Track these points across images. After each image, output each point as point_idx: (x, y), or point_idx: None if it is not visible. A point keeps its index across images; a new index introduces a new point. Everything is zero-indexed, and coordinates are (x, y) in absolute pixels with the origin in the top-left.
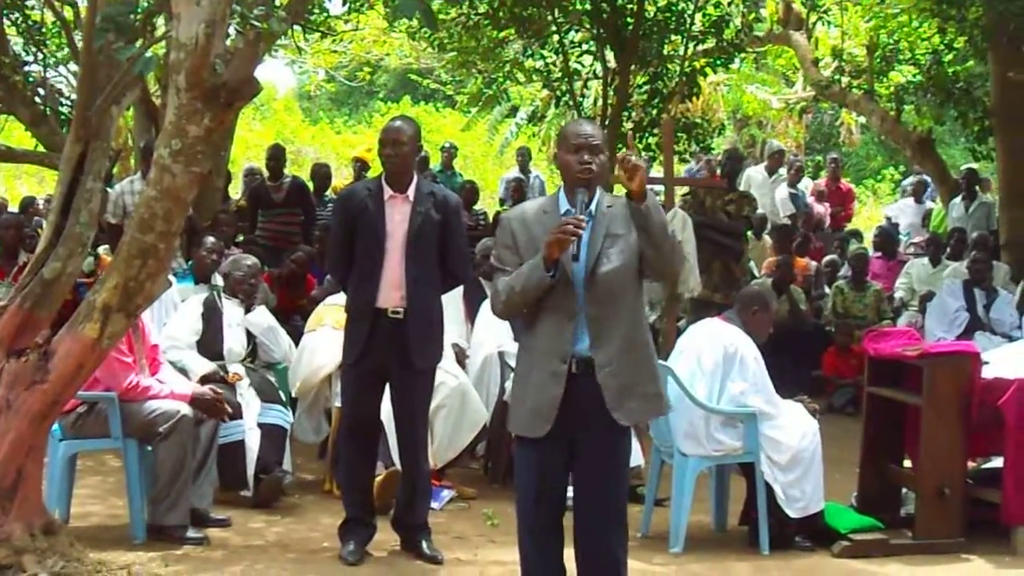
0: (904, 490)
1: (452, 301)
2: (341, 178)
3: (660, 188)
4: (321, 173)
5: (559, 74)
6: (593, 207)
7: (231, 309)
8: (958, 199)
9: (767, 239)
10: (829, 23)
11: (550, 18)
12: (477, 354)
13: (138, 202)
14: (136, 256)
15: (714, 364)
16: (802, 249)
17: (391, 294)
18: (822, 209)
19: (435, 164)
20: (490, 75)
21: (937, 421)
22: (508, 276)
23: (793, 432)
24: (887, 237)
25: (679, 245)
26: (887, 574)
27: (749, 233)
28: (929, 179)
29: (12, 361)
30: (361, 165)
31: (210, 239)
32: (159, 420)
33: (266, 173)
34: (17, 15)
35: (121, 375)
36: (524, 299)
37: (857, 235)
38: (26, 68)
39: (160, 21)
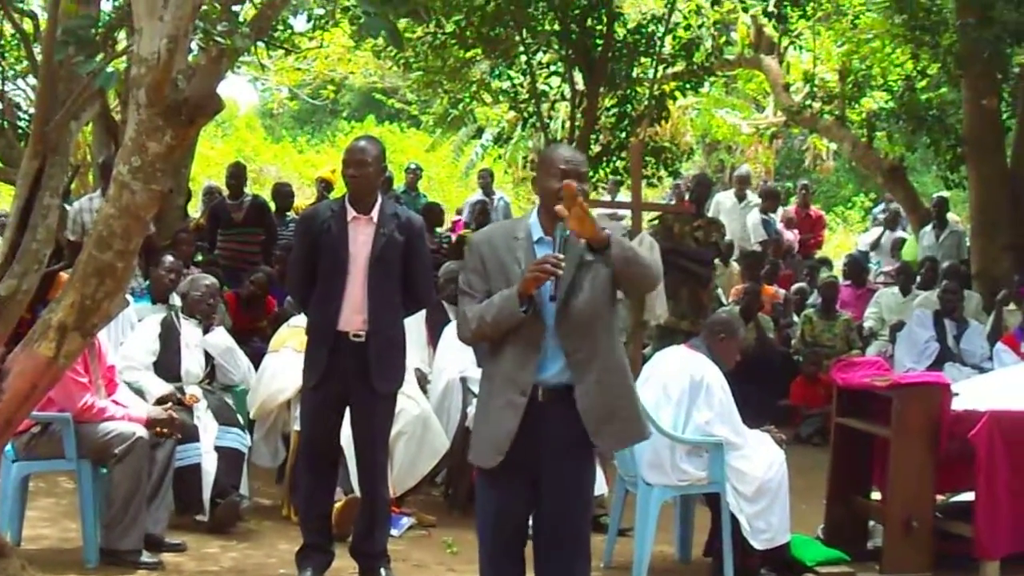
0: (871, 522)
1: (415, 325)
2: (304, 198)
3: (627, 213)
4: (283, 193)
5: (526, 95)
6: (565, 233)
7: (189, 330)
8: (929, 227)
9: (735, 266)
10: (801, 47)
11: (518, 38)
12: (439, 379)
13: (96, 219)
14: (93, 274)
15: (680, 392)
16: (771, 277)
17: (353, 317)
18: (792, 236)
19: (399, 185)
20: (456, 95)
21: (906, 453)
22: (476, 302)
23: (759, 462)
24: (857, 265)
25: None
26: None
27: (717, 260)
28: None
29: None
30: (325, 186)
31: (168, 258)
32: (114, 442)
33: (226, 192)
34: None
35: (76, 395)
36: (494, 331)
37: (827, 263)
38: None
39: (121, 35)
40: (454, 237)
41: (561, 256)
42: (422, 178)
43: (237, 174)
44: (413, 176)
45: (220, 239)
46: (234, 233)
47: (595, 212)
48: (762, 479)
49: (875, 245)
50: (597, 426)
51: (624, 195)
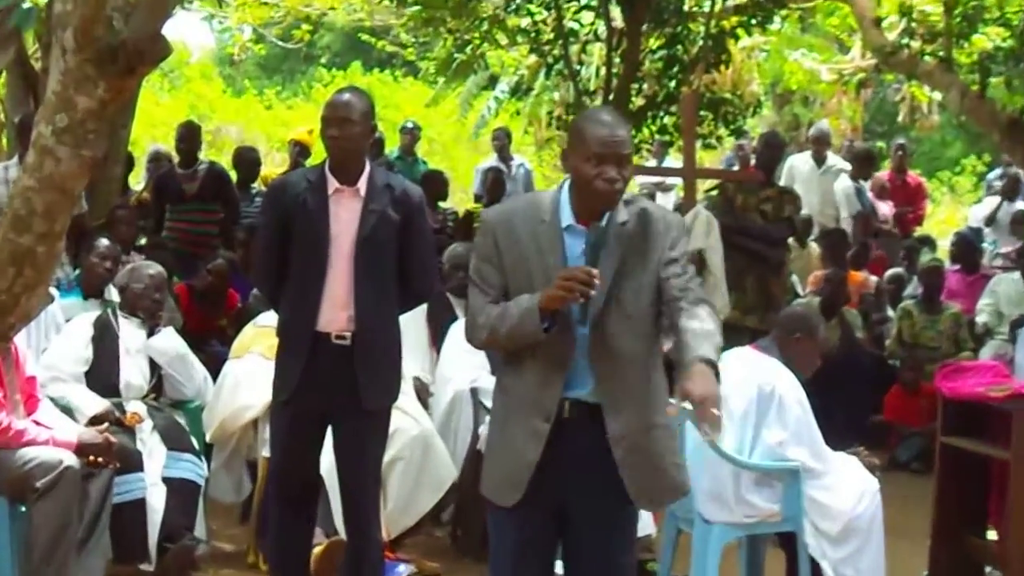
0: (988, 568)
1: (413, 324)
2: (273, 165)
3: (677, 181)
4: (246, 159)
5: (551, 35)
6: (595, 241)
7: (130, 331)
8: None
9: (814, 247)
10: None
11: None
12: (444, 391)
13: (12, 193)
14: (8, 263)
15: (746, 407)
16: (859, 260)
17: (336, 315)
18: (886, 209)
19: (392, 149)
20: (463, 36)
21: None
22: (489, 300)
23: (846, 494)
24: (967, 246)
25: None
26: None
27: (791, 240)
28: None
29: None
30: (300, 150)
31: (104, 242)
32: (36, 473)
33: (176, 158)
34: None
35: None
36: (510, 344)
37: (929, 242)
38: None
39: None
40: (461, 212)
41: (595, 272)
42: (420, 139)
43: (189, 136)
44: (410, 137)
45: (169, 217)
46: (186, 210)
47: (639, 180)
48: (850, 515)
49: (990, 220)
50: (642, 482)
51: (674, 159)
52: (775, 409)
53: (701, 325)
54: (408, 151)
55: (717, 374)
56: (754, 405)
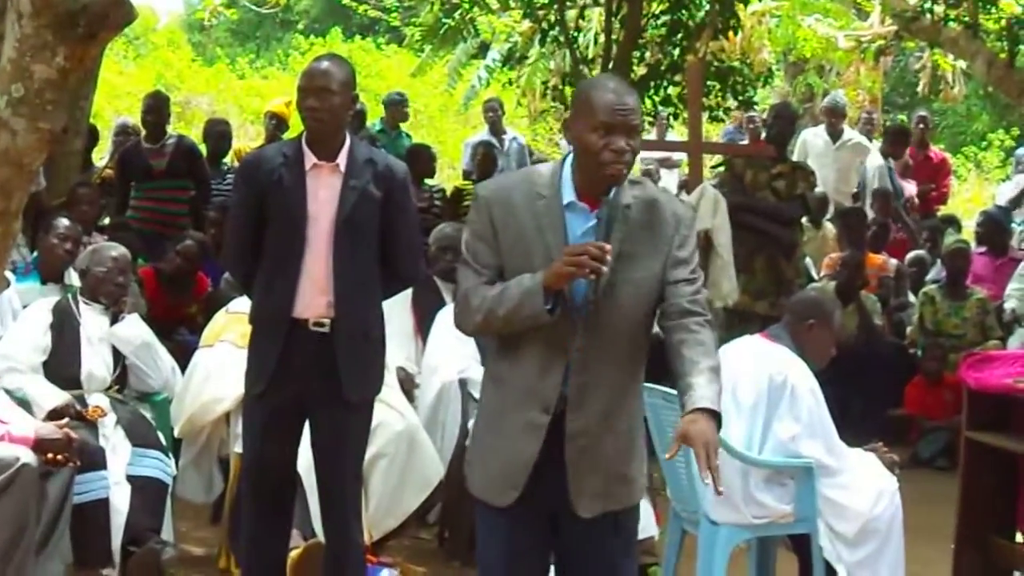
0: (1016, 573)
1: (397, 310)
2: (247, 139)
3: (682, 156)
4: (217, 132)
5: None
6: (607, 216)
7: (91, 318)
8: None
9: (829, 227)
10: None
11: None
12: (430, 382)
13: None
14: None
15: (755, 398)
16: (878, 242)
17: (314, 300)
18: (911, 189)
19: (374, 121)
20: (451, 0)
21: None
22: (483, 281)
23: (863, 493)
24: (996, 226)
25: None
26: None
27: (805, 219)
28: None
29: None
30: (277, 123)
31: (63, 222)
32: None
33: (143, 132)
34: None
35: None
36: (508, 328)
37: (954, 223)
38: None
39: None
40: (449, 189)
41: (608, 247)
42: (407, 112)
43: (156, 107)
44: (396, 111)
45: (135, 196)
46: (154, 187)
47: (641, 156)
48: (868, 515)
49: (1019, 200)
50: (580, 484)
51: (677, 133)
52: (787, 401)
53: (707, 363)
54: (392, 124)
55: (719, 422)
56: (764, 397)
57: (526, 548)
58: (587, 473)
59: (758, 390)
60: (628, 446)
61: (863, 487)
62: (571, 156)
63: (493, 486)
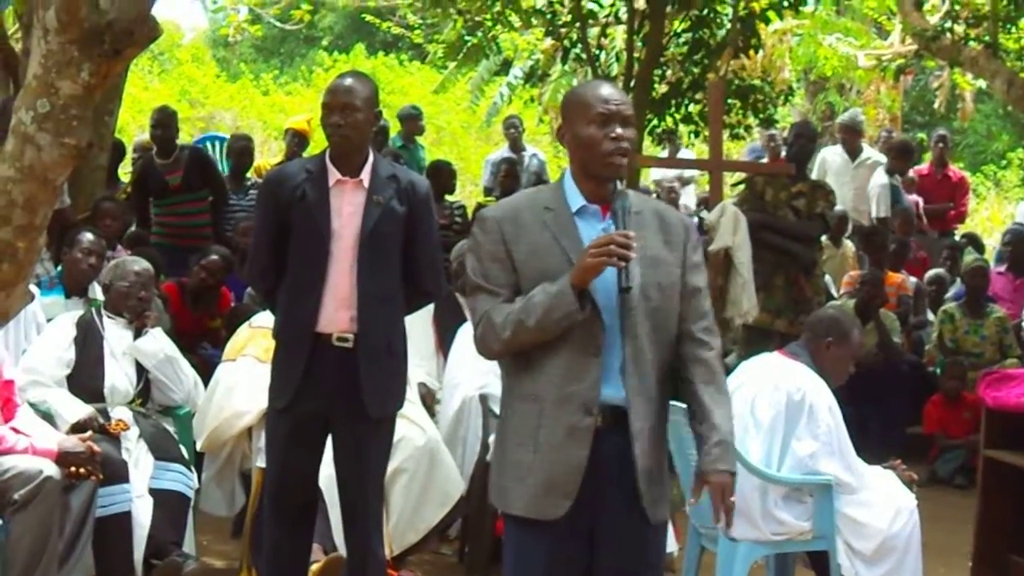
0: None
1: (419, 326)
2: (269, 155)
3: (699, 174)
4: (240, 148)
5: (568, 17)
6: (618, 208)
7: (115, 332)
8: None
9: (849, 245)
10: None
11: None
12: (452, 398)
13: None
14: None
15: (773, 416)
16: (898, 260)
17: (337, 315)
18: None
19: (393, 136)
20: (473, 17)
21: None
22: (500, 301)
23: (882, 511)
24: (1019, 244)
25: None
26: None
27: (824, 238)
28: None
29: None
30: (298, 140)
31: (87, 236)
32: (14, 484)
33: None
34: None
35: None
36: (539, 337)
37: (974, 241)
38: None
39: None
40: (471, 206)
41: (632, 233)
42: (422, 126)
43: (164, 122)
44: (411, 123)
45: (156, 212)
46: (172, 203)
47: (659, 173)
48: (886, 533)
49: None
50: (648, 487)
51: (691, 151)
52: (805, 419)
53: (720, 408)
54: (408, 139)
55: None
56: (783, 414)
57: (568, 564)
58: (648, 475)
59: (776, 408)
60: (662, 457)
61: (881, 504)
62: (570, 167)
63: (541, 500)
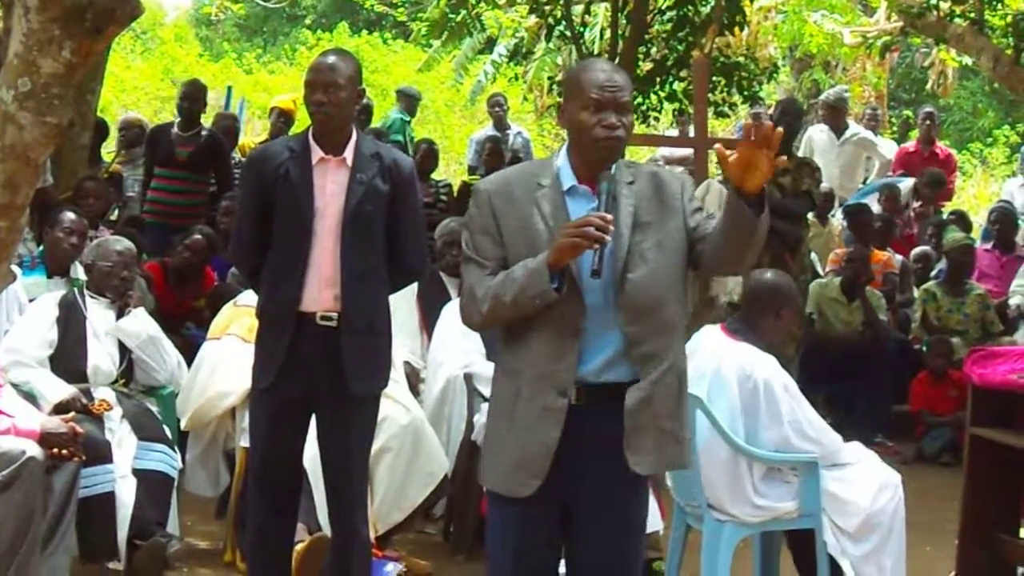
0: (1021, 569)
1: (403, 304)
2: (252, 134)
3: (688, 152)
4: (224, 127)
5: None
6: (612, 185)
7: (98, 312)
8: None
9: (835, 223)
10: None
11: None
12: (436, 377)
13: None
14: None
15: (730, 409)
16: (883, 238)
17: (321, 293)
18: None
19: (392, 113)
20: None
21: None
22: (487, 274)
23: (864, 487)
24: (1009, 223)
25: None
26: None
27: (810, 216)
28: None
29: None
30: (283, 119)
31: (69, 215)
32: None
33: (175, 119)
34: None
35: None
36: (515, 314)
37: (962, 219)
38: None
39: None
40: (456, 184)
41: (609, 216)
42: (416, 108)
43: (194, 95)
44: (411, 103)
45: (154, 180)
46: (174, 177)
47: (659, 153)
48: (869, 509)
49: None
50: (633, 438)
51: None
52: (764, 405)
53: None
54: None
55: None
56: (738, 405)
57: (538, 541)
58: (643, 429)
59: (730, 402)
60: (678, 404)
61: (864, 480)
62: (566, 145)
63: (511, 477)
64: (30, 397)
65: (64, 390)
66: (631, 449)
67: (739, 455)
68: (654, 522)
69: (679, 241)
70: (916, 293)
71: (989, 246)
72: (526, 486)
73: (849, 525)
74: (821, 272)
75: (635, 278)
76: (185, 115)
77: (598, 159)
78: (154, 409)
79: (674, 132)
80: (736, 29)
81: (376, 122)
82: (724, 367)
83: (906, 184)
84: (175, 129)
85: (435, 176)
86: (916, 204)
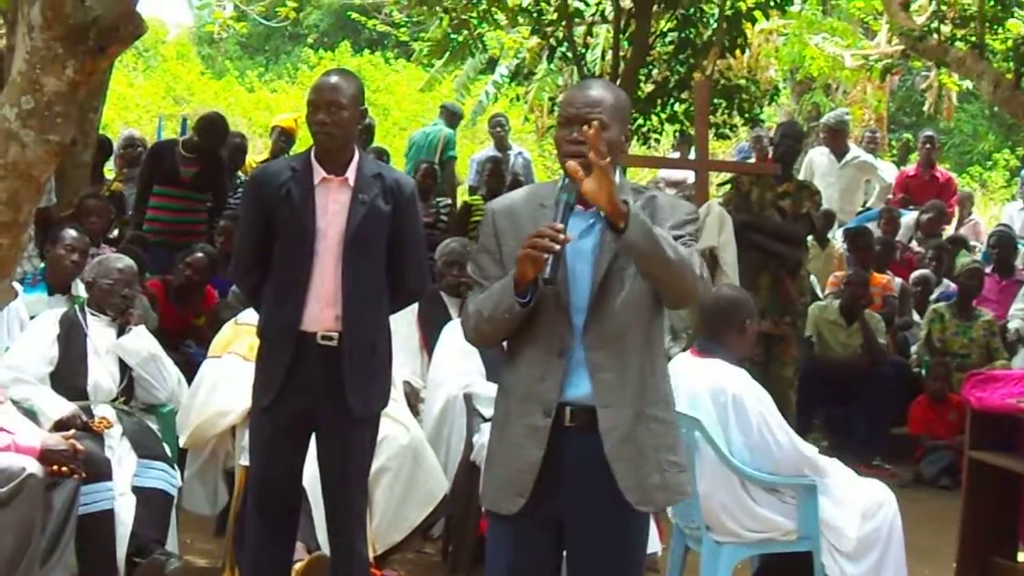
0: None
1: (403, 324)
2: (255, 152)
3: (689, 176)
4: (233, 146)
5: (554, 15)
6: (570, 197)
7: (99, 330)
8: None
9: (835, 246)
10: None
11: None
12: (436, 396)
13: None
14: None
15: (708, 425)
16: (883, 261)
17: (322, 313)
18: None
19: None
20: (459, 15)
21: None
22: (484, 291)
23: (854, 507)
24: (1005, 246)
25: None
26: None
27: (810, 238)
28: None
29: None
30: (285, 138)
31: (71, 233)
32: None
33: (190, 138)
34: None
35: None
36: (494, 328)
37: (962, 243)
38: None
39: None
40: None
41: (560, 226)
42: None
43: (217, 127)
44: (455, 119)
45: (155, 198)
46: (175, 195)
47: (660, 175)
48: (864, 529)
49: None
50: (635, 477)
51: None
52: (734, 415)
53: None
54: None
55: (627, 217)
56: (716, 423)
57: (532, 561)
58: (635, 466)
59: (707, 418)
60: (667, 432)
61: (856, 501)
62: None
63: (500, 494)
64: (30, 414)
65: (64, 407)
66: (635, 491)
67: (736, 474)
68: (653, 544)
69: None
70: (916, 316)
71: (989, 270)
72: (512, 503)
73: (846, 545)
74: (820, 294)
75: (608, 302)
76: (198, 144)
77: (568, 175)
78: (154, 427)
79: (675, 155)
80: (737, 52)
81: (418, 138)
82: (697, 386)
83: (909, 217)
84: (179, 148)
85: (438, 198)
86: (919, 235)
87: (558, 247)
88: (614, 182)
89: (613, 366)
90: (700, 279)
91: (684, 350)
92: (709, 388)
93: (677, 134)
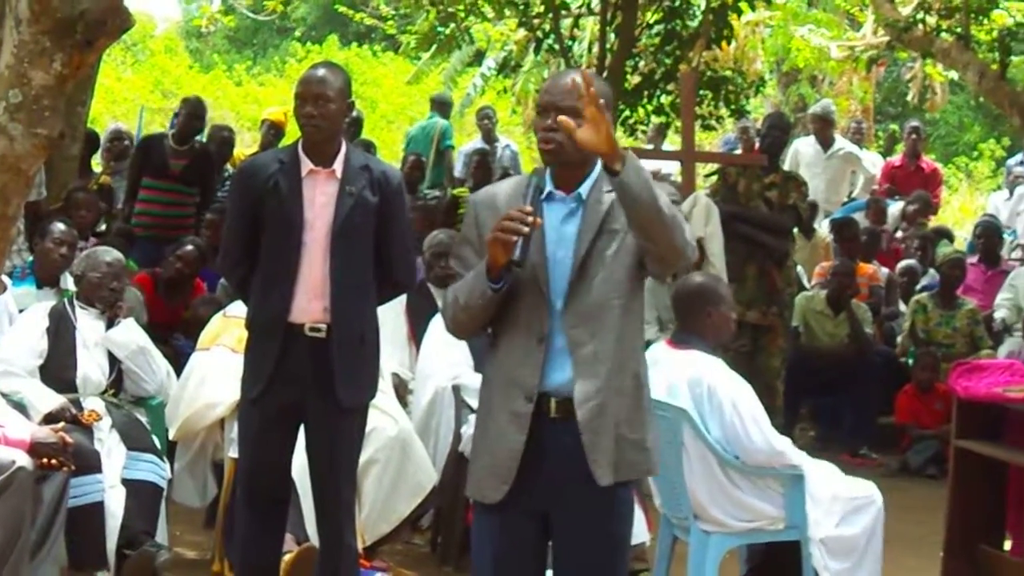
0: None
1: (391, 316)
2: (243, 145)
3: (675, 166)
4: (220, 139)
5: (540, 8)
6: (584, 191)
7: (87, 323)
8: None
9: (820, 236)
10: None
11: None
12: (424, 388)
13: None
14: None
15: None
16: (869, 251)
17: (310, 304)
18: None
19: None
20: (446, 8)
21: None
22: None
23: (828, 506)
24: (995, 236)
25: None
26: None
27: (796, 229)
28: None
29: None
30: (274, 131)
31: (59, 226)
32: None
33: (174, 130)
34: None
35: None
36: (470, 315)
37: (945, 234)
38: None
39: None
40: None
41: (528, 208)
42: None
43: (199, 113)
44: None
45: (144, 191)
46: (164, 188)
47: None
48: (846, 533)
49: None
50: (597, 450)
51: (672, 143)
52: (708, 404)
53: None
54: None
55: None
56: (694, 409)
57: (517, 549)
58: (601, 437)
59: (686, 408)
60: (637, 410)
61: (835, 497)
62: None
63: (484, 482)
64: (20, 407)
65: (54, 400)
66: (592, 460)
67: (723, 464)
68: (641, 534)
69: (633, 246)
70: (902, 306)
71: (974, 260)
72: (496, 491)
73: (830, 541)
74: (807, 285)
75: (587, 281)
76: (183, 129)
77: (544, 162)
78: (143, 419)
79: (650, 146)
80: (724, 43)
81: (415, 132)
82: (674, 377)
83: (895, 207)
84: (169, 141)
85: (425, 189)
86: (904, 225)
87: (527, 229)
88: (610, 124)
89: (591, 341)
90: (689, 244)
91: None
92: (687, 379)
93: (655, 127)
